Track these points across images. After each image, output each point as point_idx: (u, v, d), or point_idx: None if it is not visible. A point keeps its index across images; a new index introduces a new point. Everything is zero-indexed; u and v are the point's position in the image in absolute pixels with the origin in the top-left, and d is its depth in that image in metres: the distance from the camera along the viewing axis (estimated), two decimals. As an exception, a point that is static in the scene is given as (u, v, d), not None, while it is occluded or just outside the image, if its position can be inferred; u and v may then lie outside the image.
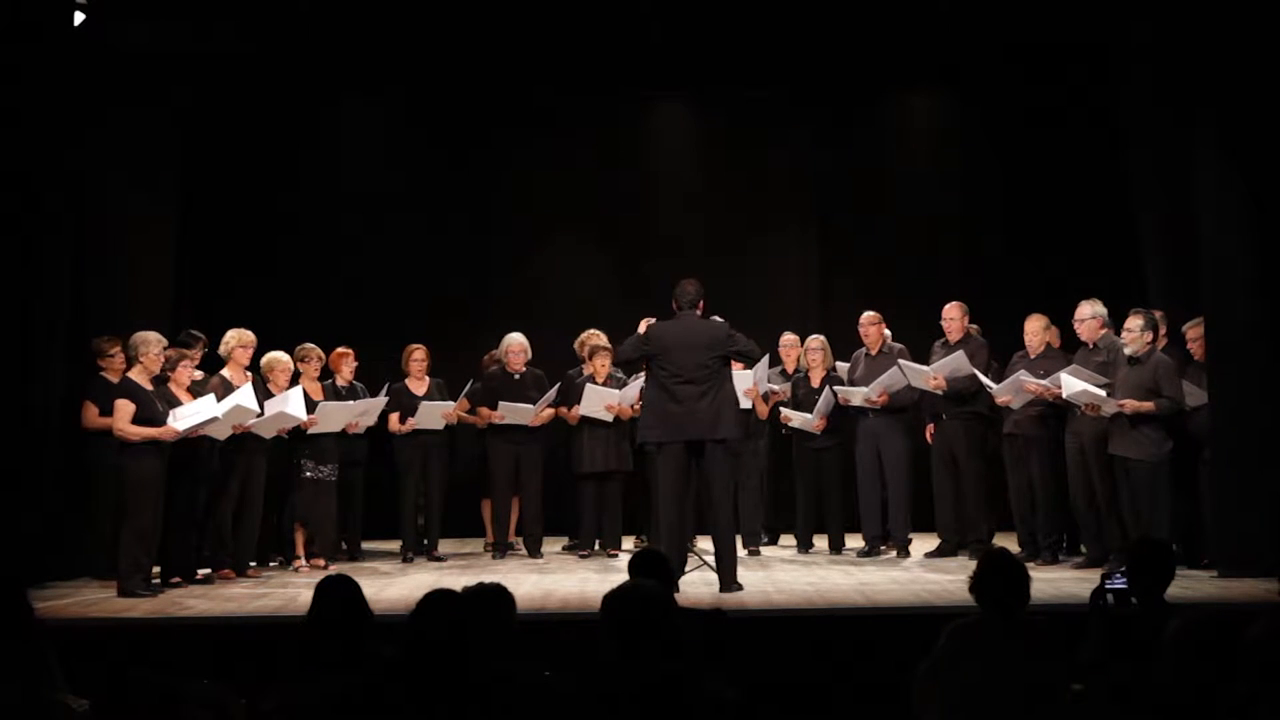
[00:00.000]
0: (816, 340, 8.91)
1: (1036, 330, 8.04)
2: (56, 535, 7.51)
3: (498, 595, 3.73)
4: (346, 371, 8.61)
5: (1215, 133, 7.49)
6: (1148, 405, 7.26)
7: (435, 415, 8.62)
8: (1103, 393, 7.38)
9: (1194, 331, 7.71)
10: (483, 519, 9.14)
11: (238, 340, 7.95)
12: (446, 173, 10.48)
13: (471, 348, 9.44)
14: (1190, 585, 6.72)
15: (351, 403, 8.43)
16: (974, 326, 8.51)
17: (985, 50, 9.81)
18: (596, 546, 8.75)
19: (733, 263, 10.26)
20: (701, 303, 7.13)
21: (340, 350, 8.63)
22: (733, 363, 8.29)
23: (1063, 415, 7.80)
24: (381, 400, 8.50)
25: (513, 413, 8.62)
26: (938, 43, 9.54)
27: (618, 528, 8.79)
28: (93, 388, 7.52)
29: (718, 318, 7.22)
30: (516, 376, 8.81)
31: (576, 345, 9.10)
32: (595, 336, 8.99)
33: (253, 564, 7.97)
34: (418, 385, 8.75)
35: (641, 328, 7.34)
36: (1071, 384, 7.44)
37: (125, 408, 7.01)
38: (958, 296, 8.58)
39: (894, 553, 8.44)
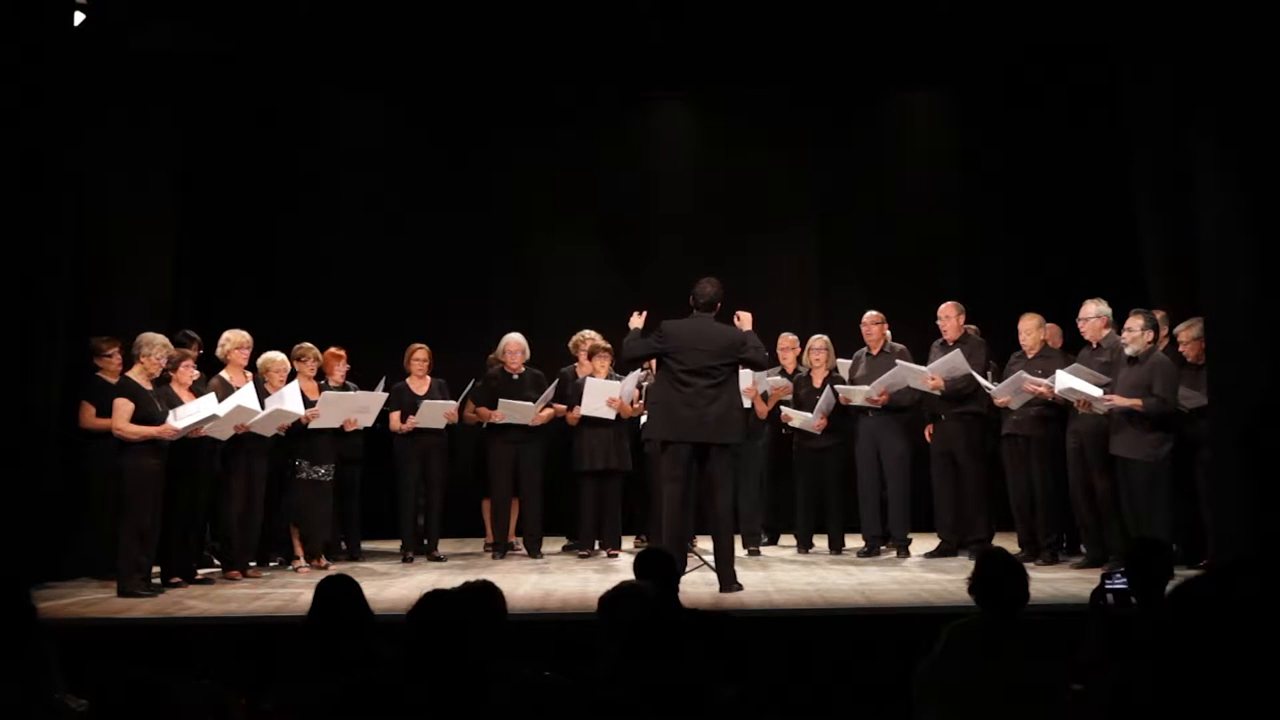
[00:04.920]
0: (819, 340, 8.91)
1: (1030, 329, 8.04)
2: (56, 535, 7.51)
3: (489, 592, 3.75)
4: (339, 373, 8.59)
5: (1215, 133, 7.48)
6: (1135, 403, 7.26)
7: (437, 414, 8.61)
8: (1096, 391, 7.39)
9: (1186, 334, 7.70)
10: (483, 519, 9.14)
11: (235, 341, 7.94)
12: (446, 173, 10.48)
13: (471, 348, 9.43)
14: (1190, 585, 6.70)
15: (354, 393, 8.44)
16: (972, 327, 8.51)
17: (985, 50, 9.81)
18: (596, 546, 8.75)
19: (733, 263, 10.21)
20: (719, 304, 7.14)
21: (333, 350, 8.59)
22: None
23: (1063, 415, 7.80)
24: (382, 395, 8.49)
25: (512, 411, 8.61)
26: (938, 43, 9.54)
27: (618, 528, 8.79)
28: (89, 388, 7.52)
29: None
30: (515, 377, 8.81)
31: (571, 345, 9.10)
32: (592, 338, 8.99)
33: (253, 564, 7.97)
34: (419, 384, 8.74)
35: (633, 322, 7.31)
36: (1063, 380, 7.45)
37: (124, 407, 7.01)
38: (958, 296, 8.58)
39: (894, 553, 8.44)
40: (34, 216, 7.28)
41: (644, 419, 8.59)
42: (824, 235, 10.69)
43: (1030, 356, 7.97)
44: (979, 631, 3.91)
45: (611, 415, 8.60)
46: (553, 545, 9.07)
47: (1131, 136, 9.19)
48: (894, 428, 8.50)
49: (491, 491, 8.89)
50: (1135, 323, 7.43)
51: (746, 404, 8.45)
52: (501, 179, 10.46)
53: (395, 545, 8.82)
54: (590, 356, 8.82)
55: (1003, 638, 3.86)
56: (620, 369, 8.73)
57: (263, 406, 7.69)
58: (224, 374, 7.86)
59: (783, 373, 9.06)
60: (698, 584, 6.95)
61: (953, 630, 3.94)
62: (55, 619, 6.01)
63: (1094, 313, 7.84)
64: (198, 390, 7.57)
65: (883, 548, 8.52)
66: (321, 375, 8.52)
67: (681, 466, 6.95)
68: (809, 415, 8.58)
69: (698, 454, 6.98)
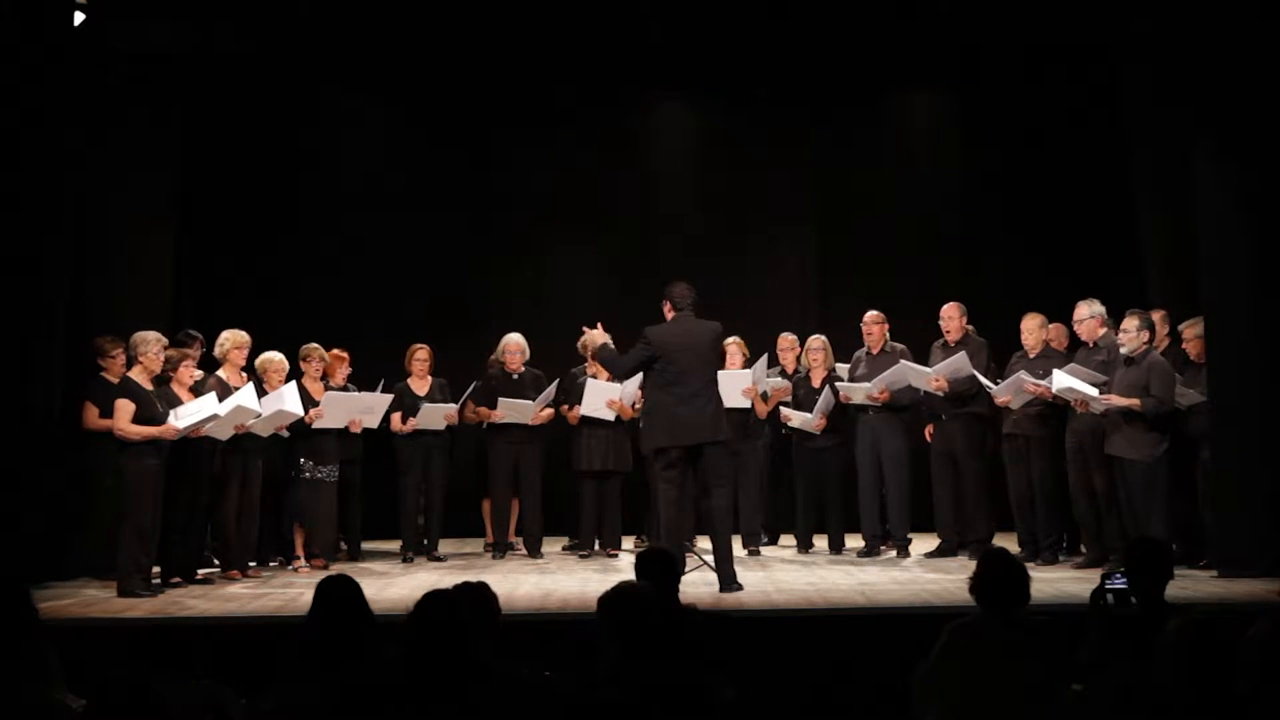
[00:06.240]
0: (818, 340, 8.91)
1: (1033, 329, 8.05)
2: (56, 535, 7.51)
3: (483, 592, 3.76)
4: (340, 375, 8.59)
5: (1215, 133, 7.49)
6: (1133, 403, 7.26)
7: (437, 417, 8.61)
8: (1093, 390, 7.39)
9: (1190, 331, 7.71)
10: (483, 519, 9.14)
11: (233, 341, 7.94)
12: (446, 173, 10.48)
13: (471, 348, 9.44)
14: (1190, 585, 6.72)
15: (357, 394, 8.44)
16: (969, 327, 8.51)
17: (985, 50, 9.82)
18: (596, 546, 8.75)
19: (733, 263, 10.26)
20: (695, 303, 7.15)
21: (335, 352, 8.60)
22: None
23: (1063, 415, 7.80)
24: (387, 397, 8.49)
25: (512, 409, 8.61)
26: (938, 43, 9.54)
27: (618, 528, 8.79)
28: (93, 388, 7.51)
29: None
30: (515, 377, 8.81)
31: (580, 346, 9.09)
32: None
33: (253, 564, 7.98)
34: (420, 385, 8.74)
35: (597, 338, 7.30)
36: (1060, 380, 7.45)
37: (125, 407, 7.01)
38: (958, 296, 8.58)
39: (894, 553, 8.44)
40: (34, 217, 7.28)
41: (643, 425, 8.59)
42: (824, 235, 10.69)
43: (1032, 356, 7.98)
44: (979, 631, 3.91)
45: (611, 417, 8.60)
46: (553, 545, 9.07)
47: (1131, 136, 9.20)
48: (894, 427, 8.50)
49: (491, 491, 8.90)
50: (1131, 323, 7.43)
51: (746, 404, 8.46)
52: (501, 179, 10.46)
53: (395, 545, 8.82)
54: (594, 356, 8.81)
55: (1003, 638, 3.86)
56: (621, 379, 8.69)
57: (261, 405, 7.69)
58: (221, 373, 7.85)
59: (782, 373, 9.06)
60: (698, 584, 6.94)
61: (953, 630, 3.94)
62: (55, 619, 6.01)
63: (1087, 313, 7.84)
64: (196, 390, 7.57)
65: (883, 547, 8.52)
66: (324, 376, 8.52)
67: (676, 468, 6.95)
68: (808, 415, 8.58)
69: (691, 453, 6.98)
